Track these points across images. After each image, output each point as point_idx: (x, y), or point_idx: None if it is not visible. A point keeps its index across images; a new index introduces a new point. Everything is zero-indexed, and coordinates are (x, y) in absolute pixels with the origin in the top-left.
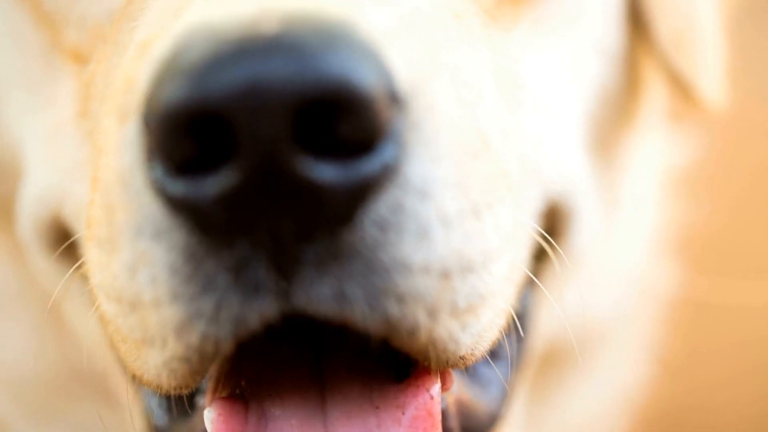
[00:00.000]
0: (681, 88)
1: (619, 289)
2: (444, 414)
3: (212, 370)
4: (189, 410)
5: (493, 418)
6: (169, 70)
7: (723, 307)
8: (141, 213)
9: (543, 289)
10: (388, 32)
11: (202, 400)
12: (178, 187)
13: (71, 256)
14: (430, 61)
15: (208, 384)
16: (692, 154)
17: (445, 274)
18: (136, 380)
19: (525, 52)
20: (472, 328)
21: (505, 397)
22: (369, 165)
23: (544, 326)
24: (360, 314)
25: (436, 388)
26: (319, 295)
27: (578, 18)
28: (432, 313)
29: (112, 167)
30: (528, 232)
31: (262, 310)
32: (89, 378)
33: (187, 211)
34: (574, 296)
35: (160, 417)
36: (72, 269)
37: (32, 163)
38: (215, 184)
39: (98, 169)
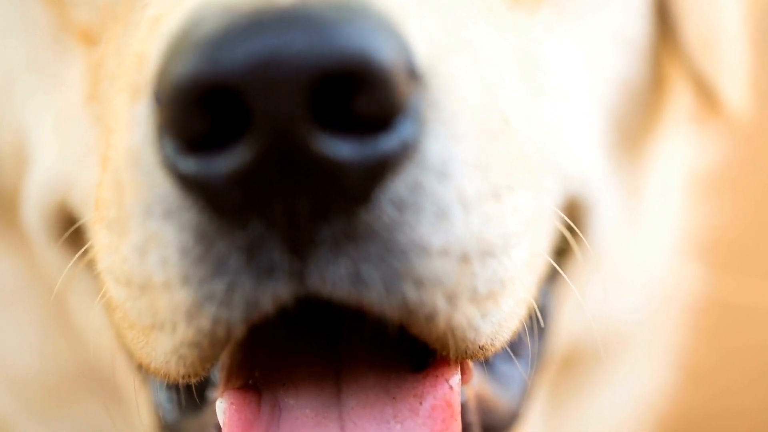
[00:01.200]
0: (704, 91)
1: (641, 291)
2: (463, 407)
3: (224, 359)
4: (199, 404)
5: (513, 417)
6: (181, 44)
7: (747, 310)
8: (151, 192)
9: (567, 281)
10: (407, 6)
11: (213, 394)
12: (190, 164)
13: (76, 243)
14: (450, 37)
15: (220, 374)
16: (718, 154)
17: (465, 258)
18: (143, 370)
19: (547, 36)
20: (493, 316)
21: (525, 395)
22: (387, 142)
23: (566, 325)
24: (376, 298)
25: (455, 378)
26: (335, 276)
27: (602, 6)
28: (451, 299)
29: (123, 146)
30: (549, 220)
31: (276, 293)
32: (95, 374)
33: (198, 190)
34: (596, 295)
35: (170, 412)
36: (77, 256)
37: (39, 148)
38: (228, 162)
39: (108, 149)
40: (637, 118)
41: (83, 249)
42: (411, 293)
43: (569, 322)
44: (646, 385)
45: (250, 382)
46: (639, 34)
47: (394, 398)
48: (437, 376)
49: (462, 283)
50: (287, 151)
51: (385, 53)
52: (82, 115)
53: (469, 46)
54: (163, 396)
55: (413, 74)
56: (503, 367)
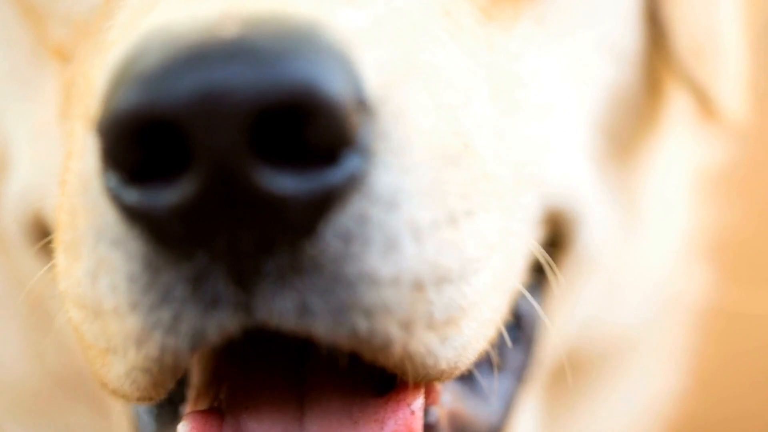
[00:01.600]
0: (700, 97)
1: (643, 296)
2: (434, 428)
3: (193, 379)
4: (177, 417)
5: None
6: (121, 76)
7: (754, 316)
8: (100, 220)
9: (554, 292)
10: (360, 34)
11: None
12: (133, 195)
13: (51, 252)
14: (405, 63)
15: (189, 395)
16: (720, 157)
17: (418, 286)
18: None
19: (527, 51)
20: (454, 341)
21: (508, 409)
22: (332, 176)
23: (559, 334)
24: (325, 328)
25: (418, 402)
26: (281, 308)
27: (588, 17)
28: (405, 327)
29: (76, 172)
30: (525, 237)
31: (222, 323)
32: (78, 378)
33: (142, 221)
34: (593, 302)
35: (147, 424)
36: (47, 267)
37: (17, 158)
38: (170, 195)
39: (66, 173)
40: (630, 125)
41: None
42: (360, 323)
43: (563, 331)
44: (652, 391)
45: (215, 404)
46: (629, 42)
47: (356, 423)
48: (399, 401)
49: (416, 310)
50: (229, 186)
51: (331, 85)
52: (56, 131)
53: (428, 70)
54: (141, 408)
55: (362, 105)
56: (485, 381)
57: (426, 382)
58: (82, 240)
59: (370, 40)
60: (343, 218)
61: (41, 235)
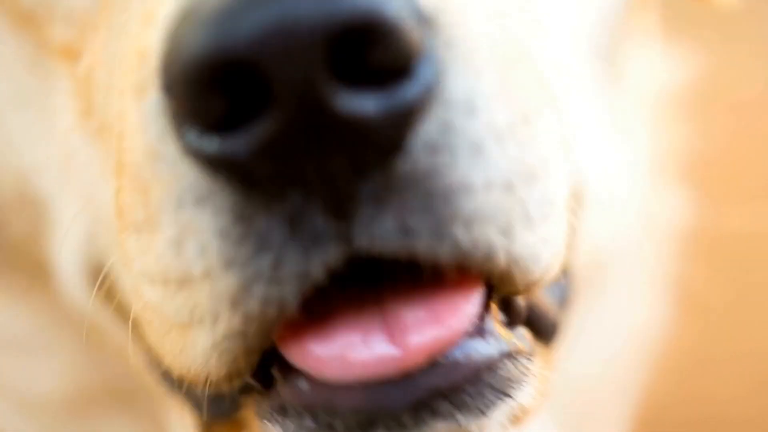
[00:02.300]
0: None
1: (619, 217)
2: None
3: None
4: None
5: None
6: (183, 25)
7: (734, 235)
8: (179, 183)
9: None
10: None
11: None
12: (215, 145)
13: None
14: None
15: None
16: (690, 72)
17: (509, 187)
18: (177, 384)
19: None
20: (551, 242)
21: (564, 308)
22: (410, 88)
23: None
24: (428, 245)
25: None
26: (383, 231)
27: None
28: (505, 231)
29: (138, 145)
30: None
31: (326, 259)
32: (118, 392)
33: (228, 169)
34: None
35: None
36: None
37: (55, 194)
38: (254, 135)
39: (122, 155)
40: (614, 42)
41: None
42: (462, 235)
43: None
44: (637, 319)
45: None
46: None
47: (441, 318)
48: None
49: (512, 212)
50: (312, 114)
51: (393, 3)
52: (78, 134)
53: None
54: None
55: (422, 17)
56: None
57: (529, 290)
58: (159, 211)
59: None
60: (428, 129)
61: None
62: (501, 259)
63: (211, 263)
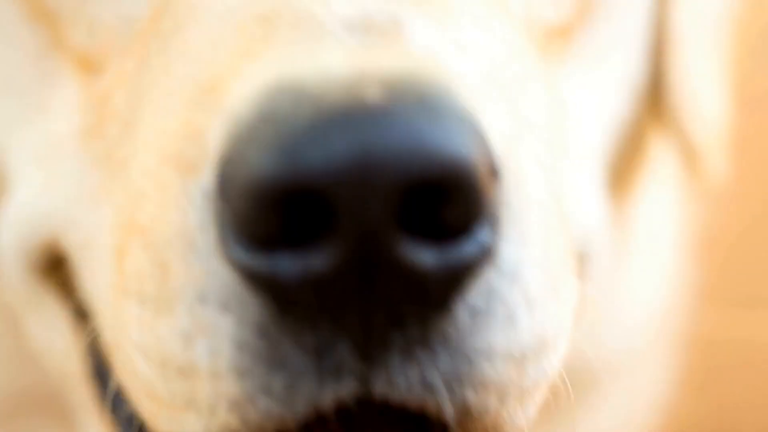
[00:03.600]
0: (686, 148)
1: (630, 322)
2: None
3: None
4: None
5: None
6: (254, 136)
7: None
8: (207, 280)
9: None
10: (483, 93)
11: None
12: (259, 261)
13: (52, 276)
14: (514, 121)
15: None
16: (700, 208)
17: (522, 358)
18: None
19: (570, 89)
20: (531, 406)
21: None
22: (467, 248)
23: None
24: (438, 401)
25: None
26: (402, 381)
27: (613, 47)
28: (502, 397)
29: (170, 223)
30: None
31: (339, 393)
32: (45, 399)
33: (266, 288)
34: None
35: None
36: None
37: (19, 175)
38: (305, 263)
39: (137, 212)
40: (629, 156)
41: (60, 281)
42: (471, 396)
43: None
44: (637, 408)
45: None
46: (639, 76)
47: None
48: None
49: (516, 382)
50: (371, 257)
51: (475, 157)
52: (76, 150)
53: (527, 125)
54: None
55: (494, 174)
56: None
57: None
58: (174, 297)
59: (487, 98)
60: (475, 291)
61: (50, 262)
62: (488, 421)
63: (221, 367)
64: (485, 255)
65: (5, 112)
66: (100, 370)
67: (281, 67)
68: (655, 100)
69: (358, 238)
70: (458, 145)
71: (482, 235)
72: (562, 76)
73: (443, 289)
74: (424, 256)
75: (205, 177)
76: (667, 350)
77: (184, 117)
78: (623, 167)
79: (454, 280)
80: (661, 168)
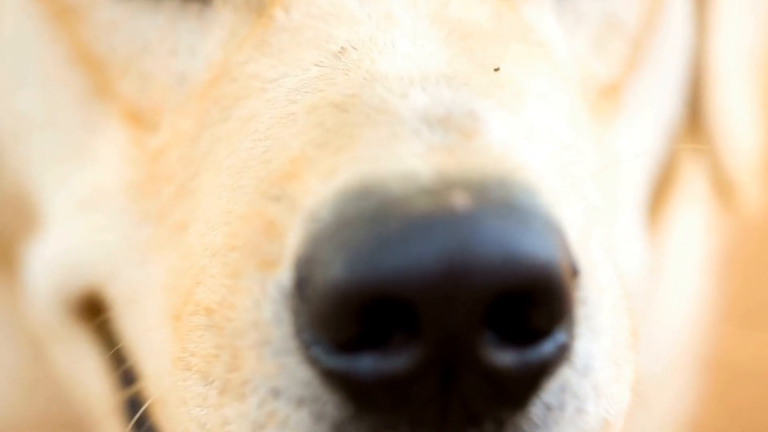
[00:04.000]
0: (719, 179)
1: (659, 345)
2: None
3: None
4: None
5: None
6: (339, 242)
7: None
8: (282, 374)
9: None
10: (555, 184)
11: None
12: (339, 362)
13: (90, 321)
14: (585, 209)
15: None
16: (731, 232)
17: None
18: None
19: (619, 142)
20: None
21: None
22: (546, 347)
23: None
24: None
25: None
26: None
27: (653, 97)
28: None
29: (242, 313)
30: None
31: None
32: (65, 425)
33: (345, 386)
34: None
35: None
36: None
37: (57, 217)
38: (388, 365)
39: (202, 293)
40: (660, 188)
41: (96, 326)
42: None
43: None
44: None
45: None
46: (675, 116)
47: None
48: None
49: None
50: (452, 360)
51: (561, 261)
52: (124, 203)
53: (595, 213)
54: None
55: (574, 273)
56: None
57: None
58: (246, 386)
59: (564, 191)
60: (550, 388)
61: (89, 308)
62: None
63: None
64: (562, 354)
65: (44, 151)
66: (134, 409)
67: (363, 169)
68: (691, 128)
69: (441, 342)
70: (545, 251)
71: (561, 335)
72: (613, 131)
73: (521, 389)
74: (504, 358)
75: (282, 274)
76: (690, 371)
77: (256, 204)
78: (656, 197)
79: (532, 380)
80: (691, 195)
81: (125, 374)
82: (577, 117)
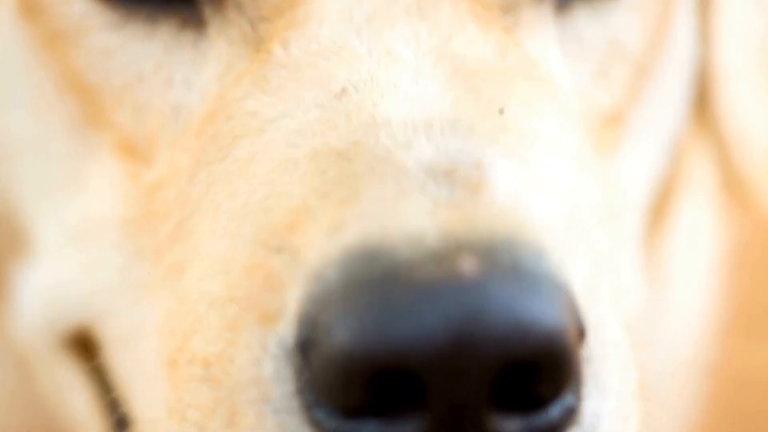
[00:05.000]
0: (731, 177)
1: (663, 355)
2: None
3: None
4: None
5: None
6: (343, 306)
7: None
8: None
9: None
10: (563, 240)
11: None
12: (343, 427)
13: (80, 354)
14: (592, 262)
15: None
16: (740, 234)
17: None
18: None
19: (622, 169)
20: None
21: None
22: (553, 411)
23: None
24: None
25: None
26: None
27: (655, 120)
28: None
29: (241, 368)
30: None
31: None
32: None
33: None
34: None
35: None
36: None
37: (48, 248)
38: (386, 430)
39: (198, 342)
40: (661, 200)
41: (85, 358)
42: None
43: None
44: None
45: None
46: (679, 132)
47: None
48: None
49: None
50: (458, 429)
51: (569, 327)
52: (118, 238)
53: (603, 265)
54: None
55: (581, 335)
56: None
57: None
58: None
59: (572, 245)
60: None
61: (79, 341)
62: None
63: None
64: (569, 417)
65: (34, 177)
66: None
67: (368, 227)
68: (698, 128)
69: (446, 412)
70: (553, 319)
71: (568, 397)
72: (616, 162)
73: None
74: (511, 425)
75: (284, 331)
76: (695, 379)
77: (256, 255)
78: (659, 205)
79: None
80: (698, 198)
81: (119, 419)
82: (583, 155)
